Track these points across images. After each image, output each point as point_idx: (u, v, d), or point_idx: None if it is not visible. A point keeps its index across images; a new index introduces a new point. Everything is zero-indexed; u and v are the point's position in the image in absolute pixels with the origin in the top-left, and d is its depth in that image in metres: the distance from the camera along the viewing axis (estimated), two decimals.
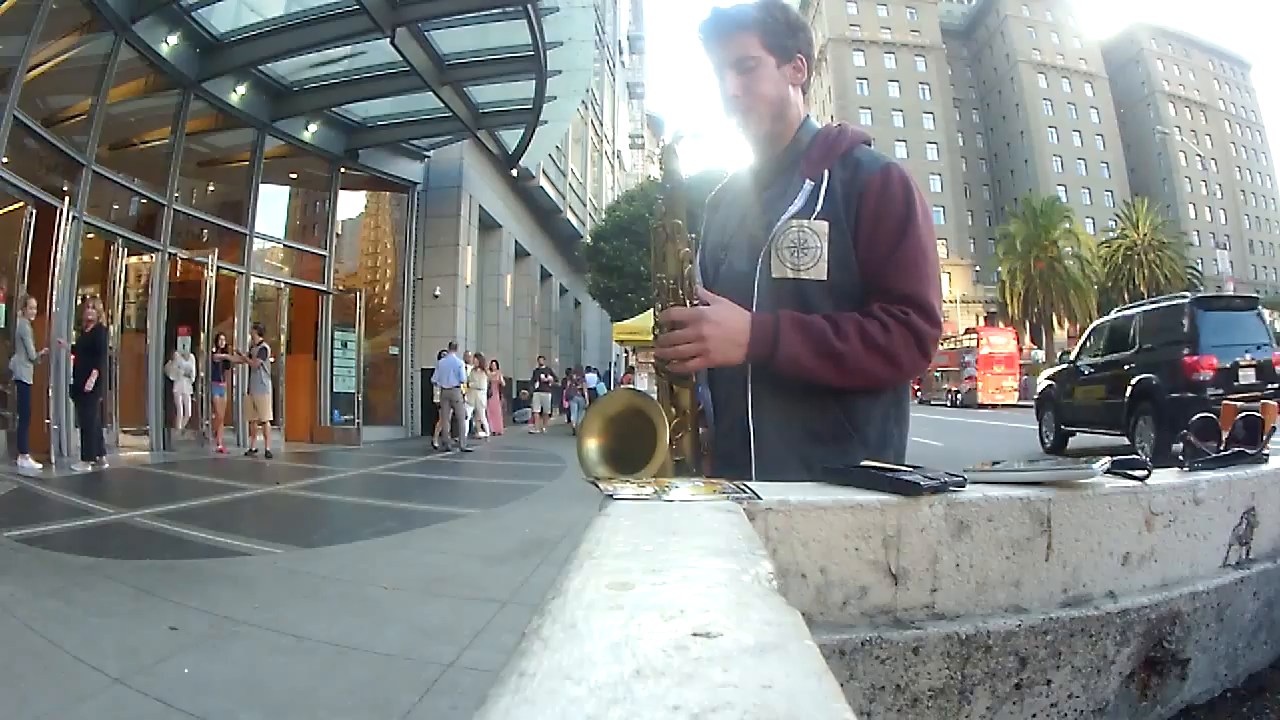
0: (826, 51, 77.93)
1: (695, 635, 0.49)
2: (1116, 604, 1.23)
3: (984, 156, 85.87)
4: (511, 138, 16.72)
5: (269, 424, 11.71)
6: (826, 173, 1.49)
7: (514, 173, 18.63)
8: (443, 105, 13.53)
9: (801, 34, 1.58)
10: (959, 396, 35.07)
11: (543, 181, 21.69)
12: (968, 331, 48.39)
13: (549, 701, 0.40)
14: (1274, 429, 1.55)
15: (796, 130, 1.59)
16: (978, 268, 75.75)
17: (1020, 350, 44.57)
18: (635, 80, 44.51)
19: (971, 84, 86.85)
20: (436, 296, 16.50)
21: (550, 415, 19.38)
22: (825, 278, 1.45)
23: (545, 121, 15.54)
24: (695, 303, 1.45)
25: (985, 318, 60.33)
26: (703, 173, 23.69)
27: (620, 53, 39.43)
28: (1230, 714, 1.35)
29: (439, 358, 14.15)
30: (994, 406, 32.61)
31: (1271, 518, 1.50)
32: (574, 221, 26.64)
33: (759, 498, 1.06)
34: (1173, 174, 79.95)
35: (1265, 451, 1.54)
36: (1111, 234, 59.10)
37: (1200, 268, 63.26)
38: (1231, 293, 30.93)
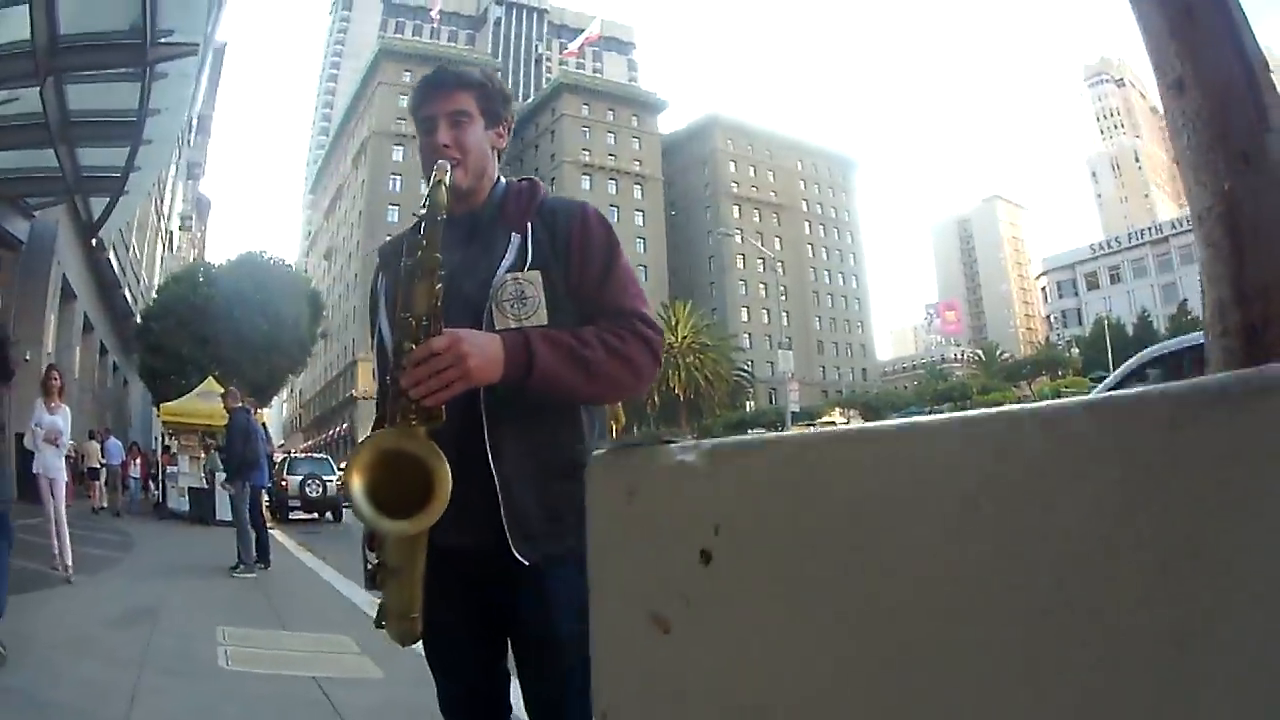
0: (368, 146, 78.06)
1: None
2: None
3: None
4: (98, 205, 16.12)
5: None
6: (530, 226, 1.56)
7: (94, 242, 17.92)
8: (57, 164, 12.85)
9: (509, 105, 1.71)
10: None
11: (111, 255, 20.81)
12: None
13: None
14: None
15: (491, 188, 1.65)
16: None
17: None
18: (195, 160, 42.40)
19: None
20: (27, 360, 15.31)
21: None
22: (546, 323, 1.49)
23: (127, 192, 15.40)
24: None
25: None
26: (242, 257, 24.70)
27: (189, 131, 37.61)
28: None
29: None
30: None
31: None
32: (129, 299, 25.28)
33: None
34: (724, 276, 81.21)
35: None
36: None
37: (751, 368, 66.73)
38: (795, 392, 31.10)
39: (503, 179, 1.68)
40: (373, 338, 1.68)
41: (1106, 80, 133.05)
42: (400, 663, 4.46)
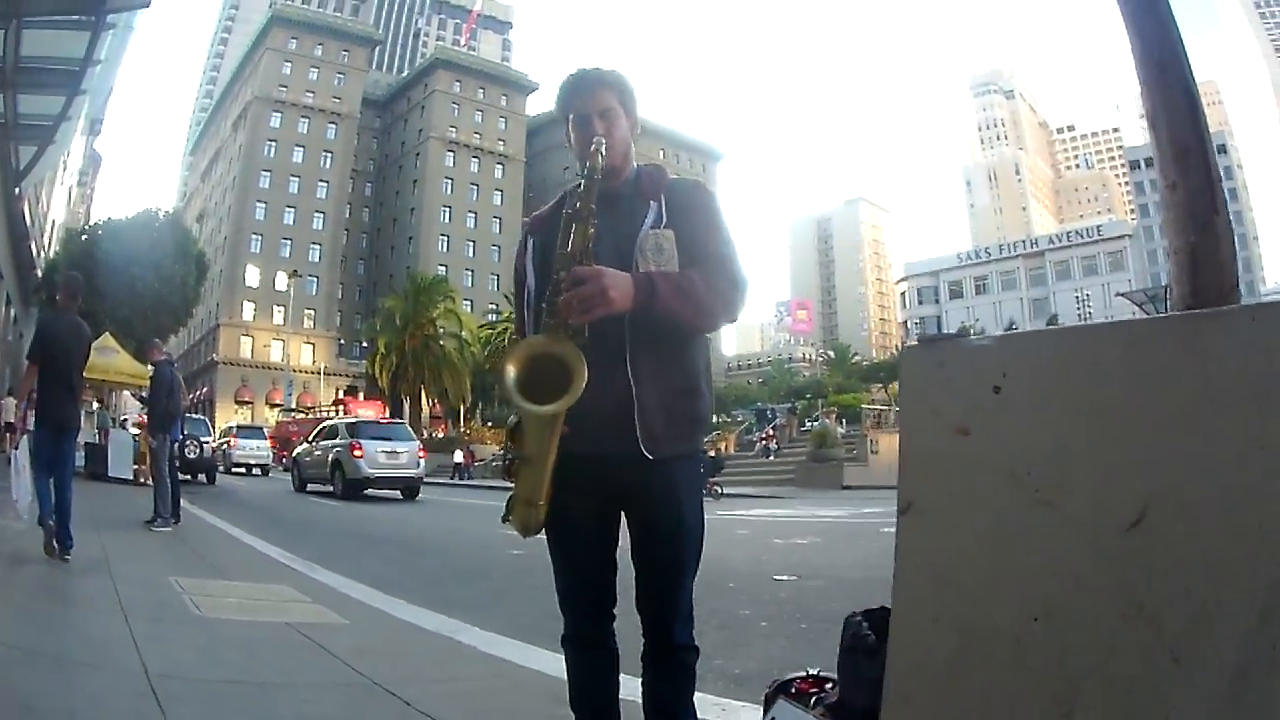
0: (249, 110, 75.10)
1: None
2: None
3: (367, 230, 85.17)
4: (24, 155, 15.82)
5: None
6: (663, 196, 1.90)
7: (17, 190, 17.25)
8: (2, 111, 12.63)
9: (636, 98, 1.99)
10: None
11: (24, 206, 21.08)
12: (334, 403, 47.28)
13: None
14: None
15: (630, 168, 1.97)
16: (342, 340, 75.60)
17: None
18: (98, 116, 40.97)
19: (373, 156, 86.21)
20: None
21: None
22: (677, 269, 1.83)
23: (55, 141, 15.30)
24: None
25: (347, 390, 58.28)
26: (139, 214, 25.16)
27: None
28: None
29: None
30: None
31: None
32: (33, 251, 25.28)
33: None
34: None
35: None
36: (494, 318, 58.75)
37: None
38: None
39: (636, 164, 2.00)
40: (519, 295, 2.01)
41: (994, 91, 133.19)
42: (354, 610, 4.82)
